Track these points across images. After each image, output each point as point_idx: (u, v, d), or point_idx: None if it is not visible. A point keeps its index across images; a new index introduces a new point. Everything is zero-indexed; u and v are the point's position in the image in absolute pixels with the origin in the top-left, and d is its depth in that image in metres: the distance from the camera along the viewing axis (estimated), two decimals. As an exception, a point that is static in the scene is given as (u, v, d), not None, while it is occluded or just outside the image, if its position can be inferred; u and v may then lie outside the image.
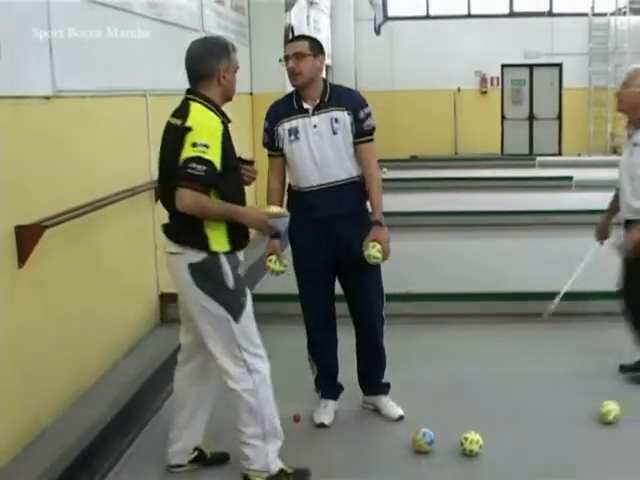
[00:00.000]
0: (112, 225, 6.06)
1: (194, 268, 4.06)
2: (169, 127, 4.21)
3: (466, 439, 4.51)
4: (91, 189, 5.67)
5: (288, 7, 11.68)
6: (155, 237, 7.06)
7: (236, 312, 4.12)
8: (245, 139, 11.10)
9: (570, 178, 15.89)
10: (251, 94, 11.35)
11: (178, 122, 4.09)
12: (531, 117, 23.70)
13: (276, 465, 4.25)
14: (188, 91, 4.27)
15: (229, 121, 4.23)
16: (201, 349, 4.32)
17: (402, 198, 14.06)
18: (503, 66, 23.08)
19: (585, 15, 22.89)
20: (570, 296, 6.81)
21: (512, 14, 23.16)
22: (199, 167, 3.90)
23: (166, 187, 4.15)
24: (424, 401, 5.43)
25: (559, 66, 23.16)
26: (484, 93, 23.20)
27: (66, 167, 5.35)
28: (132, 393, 4.95)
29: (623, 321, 5.88)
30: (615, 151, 22.57)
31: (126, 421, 4.78)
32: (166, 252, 4.22)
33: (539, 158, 20.70)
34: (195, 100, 4.17)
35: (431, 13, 23.26)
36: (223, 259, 4.08)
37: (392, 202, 13.55)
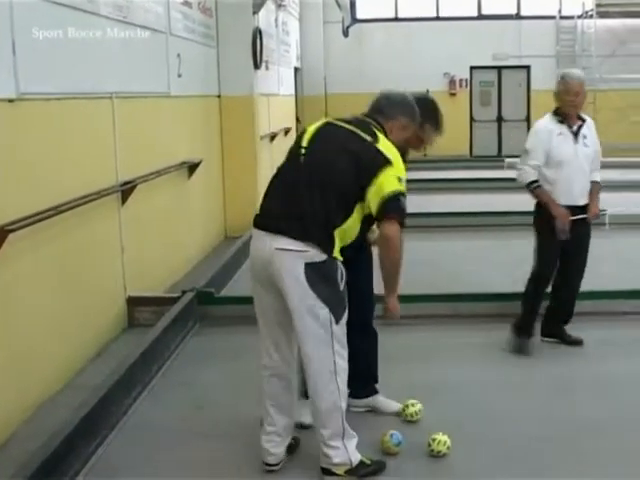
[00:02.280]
0: (78, 229, 6.02)
1: (311, 267, 4.03)
2: (348, 134, 4.26)
3: (434, 440, 4.51)
4: (56, 193, 5.64)
5: (256, 9, 11.65)
6: (122, 240, 7.04)
7: (339, 314, 4.14)
8: (213, 142, 11.09)
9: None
10: (219, 97, 11.31)
11: (367, 137, 4.19)
12: (499, 119, 23.81)
13: (356, 457, 4.26)
14: (371, 116, 4.44)
15: None
16: (288, 352, 4.40)
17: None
18: (472, 68, 23.19)
19: (553, 18, 23.03)
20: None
21: (480, 17, 23.28)
22: (404, 201, 4.12)
23: (322, 182, 4.12)
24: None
25: (527, 68, 23.30)
26: (453, 95, 23.27)
27: (31, 170, 5.31)
28: (99, 397, 4.91)
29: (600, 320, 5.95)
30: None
31: (93, 425, 4.75)
32: (275, 248, 4.07)
33: (508, 159, 20.76)
34: (377, 128, 4.32)
35: (400, 15, 23.32)
36: (339, 263, 4.12)
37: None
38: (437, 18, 23.25)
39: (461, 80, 23.29)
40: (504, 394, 5.51)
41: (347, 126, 4.27)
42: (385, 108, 4.42)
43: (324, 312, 4.06)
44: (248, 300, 7.32)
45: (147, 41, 8.01)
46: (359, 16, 22.91)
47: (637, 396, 5.46)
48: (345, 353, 4.21)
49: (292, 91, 19.70)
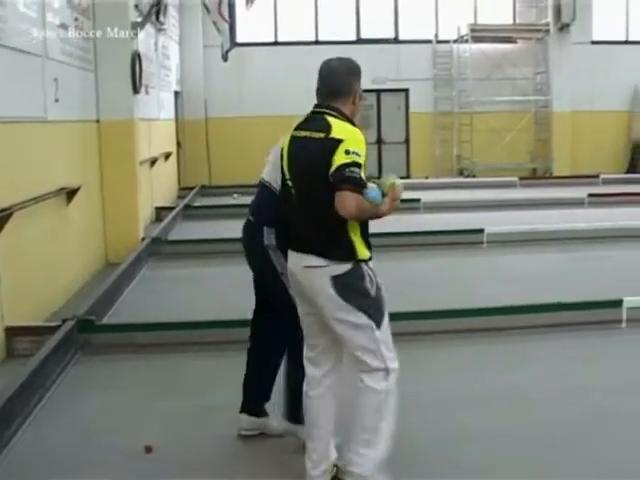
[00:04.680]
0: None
1: (338, 280, 4.09)
2: (306, 142, 4.20)
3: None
4: None
5: (135, 33, 11.55)
6: (-3, 269, 6.87)
7: (379, 319, 4.16)
8: (93, 167, 10.93)
9: (418, 200, 16.25)
10: (98, 121, 11.15)
11: (320, 135, 4.12)
12: (379, 141, 24.15)
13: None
14: (318, 105, 4.36)
15: None
16: (334, 367, 4.39)
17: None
18: (352, 92, 23.39)
19: (429, 42, 23.53)
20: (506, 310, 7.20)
21: (359, 41, 23.59)
22: (356, 170, 3.96)
23: (308, 199, 4.17)
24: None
25: (406, 91, 23.75)
26: (333, 118, 23.47)
27: None
28: (-25, 431, 4.77)
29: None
30: (461, 173, 23.28)
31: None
32: (302, 266, 4.18)
33: (387, 182, 21.07)
34: (331, 115, 4.22)
35: (279, 39, 23.45)
36: (365, 268, 4.13)
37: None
38: (316, 42, 23.45)
39: (342, 103, 23.48)
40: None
41: (304, 134, 4.24)
42: (341, 87, 4.35)
43: (362, 319, 4.13)
44: (130, 327, 7.33)
45: (21, 64, 7.86)
46: (239, 40, 22.89)
47: (508, 408, 5.59)
48: (393, 354, 4.22)
49: (172, 115, 19.61)
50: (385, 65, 22.65)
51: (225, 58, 17.68)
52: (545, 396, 5.84)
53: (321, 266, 4.11)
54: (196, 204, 17.80)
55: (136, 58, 11.57)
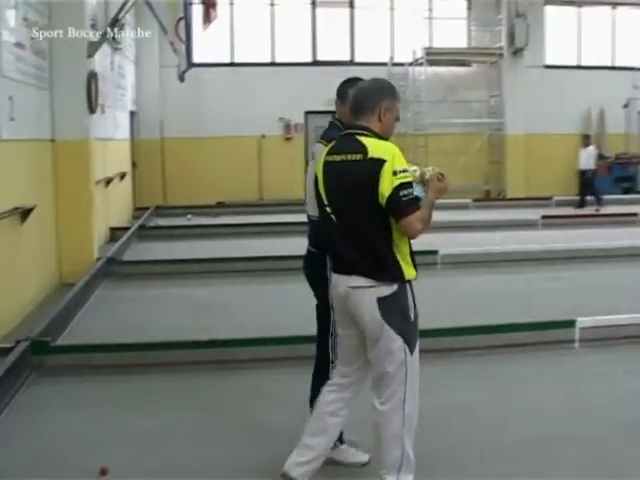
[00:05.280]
0: None
1: (383, 301, 4.16)
2: (343, 165, 4.25)
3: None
4: None
5: (91, 52, 11.51)
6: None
7: (412, 344, 4.26)
8: (47, 187, 10.86)
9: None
10: (53, 141, 11.08)
11: (358, 157, 4.18)
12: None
13: None
14: (347, 127, 4.43)
15: None
16: (357, 382, 4.51)
17: (207, 244, 14.10)
18: (307, 113, 23.55)
19: (385, 65, 23.68)
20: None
21: (315, 63, 23.72)
22: (409, 191, 4.08)
23: (352, 221, 4.23)
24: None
25: (361, 113, 23.75)
26: (288, 139, 23.56)
27: None
28: None
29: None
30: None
31: None
32: (348, 287, 4.25)
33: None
34: (361, 134, 4.27)
35: (236, 60, 23.47)
36: (409, 289, 4.23)
37: (197, 248, 13.67)
38: (273, 64, 23.53)
39: (296, 125, 23.60)
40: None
41: (340, 158, 4.28)
42: (365, 103, 4.36)
43: (398, 343, 4.20)
44: (86, 349, 7.26)
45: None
46: (195, 60, 22.87)
47: (458, 427, 5.64)
48: (416, 382, 4.32)
49: (128, 135, 19.54)
50: (341, 87, 22.69)
51: (182, 78, 17.65)
52: (496, 415, 5.89)
53: (368, 287, 4.19)
54: (151, 224, 17.71)
55: (92, 77, 11.54)
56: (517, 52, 23.51)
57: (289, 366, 6.87)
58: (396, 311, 4.19)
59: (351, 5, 24.16)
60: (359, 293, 4.22)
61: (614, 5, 25.52)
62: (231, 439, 5.43)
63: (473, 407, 6.06)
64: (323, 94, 23.58)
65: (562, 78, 23.84)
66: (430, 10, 24.36)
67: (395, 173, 4.05)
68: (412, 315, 4.25)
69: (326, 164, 4.36)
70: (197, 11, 18.13)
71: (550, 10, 24.97)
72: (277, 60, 23.65)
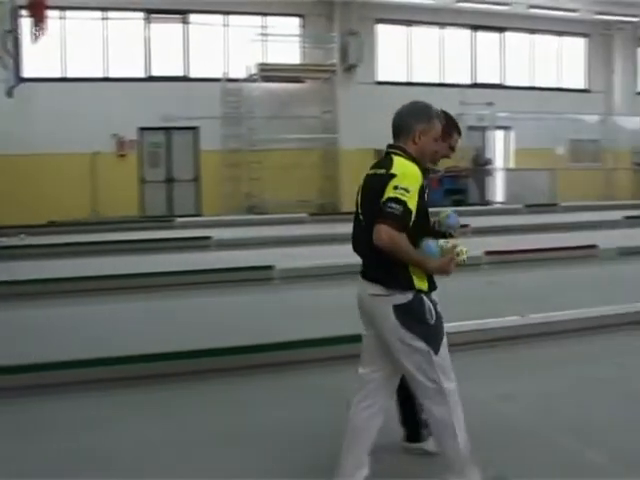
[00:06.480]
0: None
1: (400, 309, 4.37)
2: (372, 178, 4.53)
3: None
4: None
5: None
6: None
7: (436, 346, 4.41)
8: None
9: (209, 238, 16.26)
10: None
11: (382, 171, 4.44)
12: (170, 179, 24.05)
13: None
14: (389, 146, 4.64)
15: (425, 178, 4.54)
16: (384, 387, 4.65)
17: (40, 265, 13.67)
18: (141, 129, 23.31)
19: (219, 80, 23.71)
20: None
21: (149, 78, 23.51)
22: (397, 207, 4.24)
23: (371, 231, 4.37)
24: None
25: (195, 129, 23.83)
26: (122, 156, 23.17)
27: None
28: None
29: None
30: (251, 210, 23.47)
31: None
32: (368, 294, 4.50)
33: (179, 219, 21.03)
34: (396, 153, 4.53)
35: (68, 75, 22.94)
36: (424, 297, 4.40)
37: (29, 269, 13.21)
38: (106, 79, 23.14)
39: (130, 141, 23.27)
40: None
41: (372, 172, 4.58)
42: (401, 125, 4.62)
43: (421, 345, 4.38)
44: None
45: None
46: (26, 74, 22.20)
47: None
48: (451, 375, 4.48)
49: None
50: (175, 103, 22.74)
51: (9, 94, 17.17)
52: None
53: (384, 295, 4.42)
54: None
55: None
56: (350, 69, 24.04)
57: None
58: (412, 318, 4.39)
59: (185, 21, 24.12)
60: (377, 300, 4.46)
61: (442, 25, 26.47)
62: None
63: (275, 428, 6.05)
64: (158, 110, 23.52)
65: (393, 94, 24.37)
66: (264, 27, 24.60)
67: (396, 187, 4.30)
68: (432, 321, 4.42)
69: (365, 177, 4.66)
70: (26, 25, 17.64)
71: (382, 28, 25.68)
72: (110, 75, 23.30)
